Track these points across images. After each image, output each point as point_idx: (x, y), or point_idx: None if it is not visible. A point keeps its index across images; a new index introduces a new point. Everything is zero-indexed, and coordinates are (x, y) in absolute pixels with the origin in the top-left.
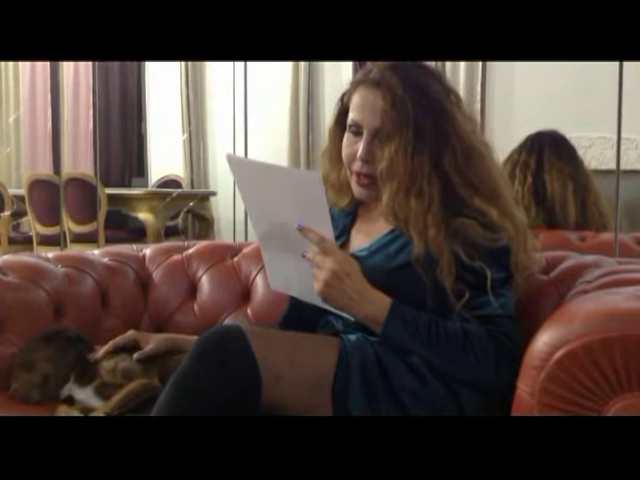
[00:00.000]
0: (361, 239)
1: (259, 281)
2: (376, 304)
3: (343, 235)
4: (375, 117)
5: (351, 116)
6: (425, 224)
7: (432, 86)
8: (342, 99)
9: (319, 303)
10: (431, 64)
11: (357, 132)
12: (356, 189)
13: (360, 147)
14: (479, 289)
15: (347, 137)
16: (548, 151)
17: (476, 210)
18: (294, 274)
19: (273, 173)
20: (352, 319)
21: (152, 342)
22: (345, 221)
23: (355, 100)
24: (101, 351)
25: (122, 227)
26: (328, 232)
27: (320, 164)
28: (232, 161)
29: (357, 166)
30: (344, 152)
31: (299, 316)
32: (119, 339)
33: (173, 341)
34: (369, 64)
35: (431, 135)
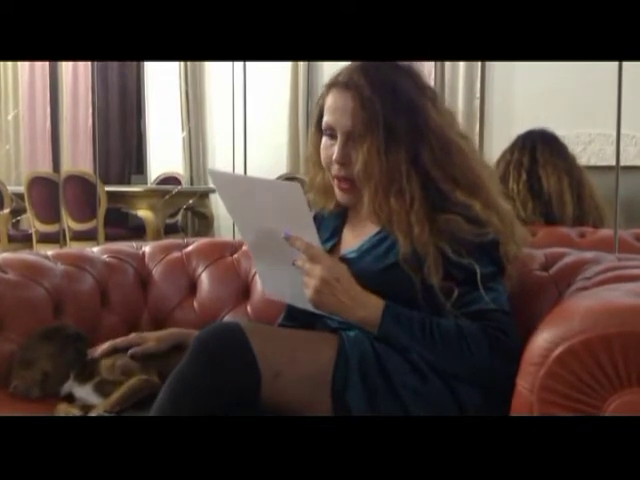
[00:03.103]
0: (351, 241)
1: (258, 278)
2: (369, 307)
3: (334, 237)
4: (346, 119)
5: (325, 119)
6: (409, 223)
7: (401, 84)
8: (319, 103)
9: (312, 309)
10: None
11: (332, 135)
12: (339, 194)
13: (335, 150)
14: (469, 285)
15: (324, 141)
16: (541, 148)
17: (459, 204)
18: (286, 281)
19: (254, 185)
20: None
21: (151, 340)
22: (335, 223)
23: (328, 103)
24: (99, 350)
25: (121, 225)
26: (314, 239)
27: (305, 170)
28: (214, 176)
29: (335, 170)
30: (322, 156)
31: (300, 316)
32: (120, 341)
33: (177, 337)
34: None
35: (404, 133)
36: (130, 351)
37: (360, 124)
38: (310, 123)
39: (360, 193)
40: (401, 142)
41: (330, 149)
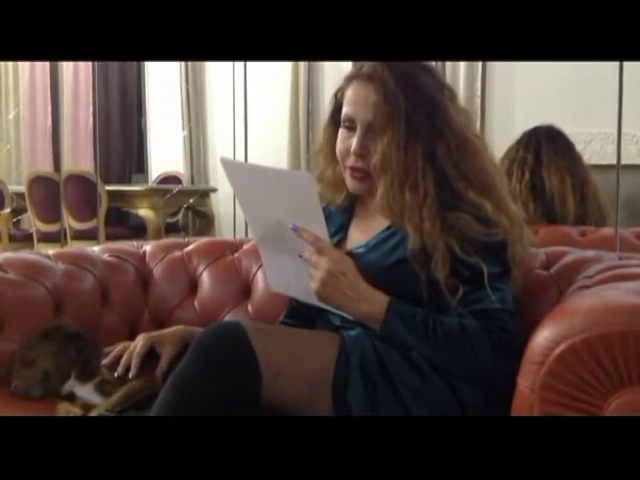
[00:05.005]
0: (358, 236)
1: (259, 277)
2: (373, 302)
3: (340, 232)
4: (368, 111)
5: (345, 111)
6: (420, 217)
7: (424, 80)
8: (336, 96)
9: (317, 303)
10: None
11: (351, 127)
12: (350, 183)
13: (354, 142)
14: (476, 284)
15: (341, 132)
16: (545, 147)
17: (471, 203)
18: (292, 275)
19: (266, 175)
20: (351, 318)
21: (166, 344)
22: (342, 218)
23: (348, 95)
24: (132, 369)
25: (122, 224)
26: (322, 232)
27: (314, 163)
28: (226, 164)
29: (351, 161)
30: (338, 147)
31: (301, 314)
32: (140, 350)
33: (184, 337)
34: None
35: (424, 128)
36: (158, 374)
37: (382, 116)
38: (311, 123)
39: (373, 185)
40: (419, 137)
41: (347, 141)
